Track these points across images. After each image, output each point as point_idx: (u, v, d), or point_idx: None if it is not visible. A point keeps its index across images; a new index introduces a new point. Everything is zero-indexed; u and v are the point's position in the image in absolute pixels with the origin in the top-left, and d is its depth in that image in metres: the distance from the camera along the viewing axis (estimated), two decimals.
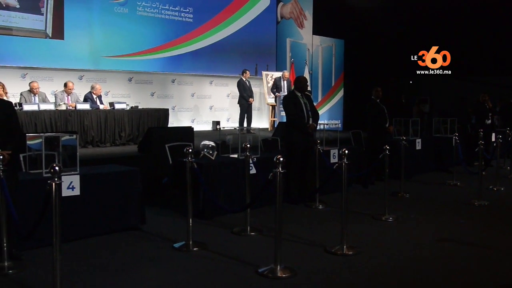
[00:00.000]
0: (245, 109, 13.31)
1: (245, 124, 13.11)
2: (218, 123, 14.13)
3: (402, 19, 17.55)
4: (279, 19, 16.52)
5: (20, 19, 10.98)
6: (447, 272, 4.85)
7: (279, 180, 4.60)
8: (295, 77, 8.20)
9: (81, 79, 11.94)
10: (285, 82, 13.89)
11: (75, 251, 5.14)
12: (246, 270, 4.73)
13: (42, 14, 11.29)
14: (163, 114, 10.96)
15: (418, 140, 10.47)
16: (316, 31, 17.26)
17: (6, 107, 4.96)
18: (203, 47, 14.44)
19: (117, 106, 10.20)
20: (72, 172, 5.45)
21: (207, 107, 14.85)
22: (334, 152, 8.32)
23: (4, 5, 10.75)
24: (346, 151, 5.45)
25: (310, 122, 7.60)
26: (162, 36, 13.50)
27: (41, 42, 11.39)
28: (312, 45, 17.19)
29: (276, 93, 13.79)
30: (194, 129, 9.83)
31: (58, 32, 11.54)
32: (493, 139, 11.07)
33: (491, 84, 16.99)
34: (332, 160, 8.16)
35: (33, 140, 5.57)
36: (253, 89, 13.91)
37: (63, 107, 9.42)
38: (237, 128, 9.02)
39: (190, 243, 5.37)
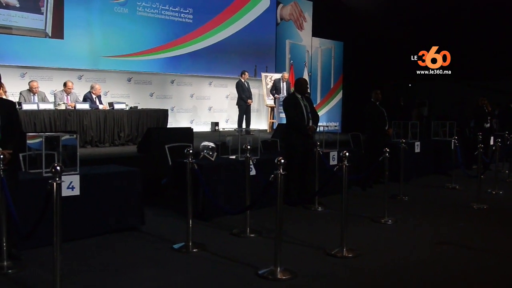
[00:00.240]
0: (244, 110, 13.31)
1: (243, 126, 13.11)
2: (217, 124, 14.13)
3: (402, 20, 17.59)
4: (279, 20, 16.53)
5: (20, 18, 10.96)
6: (446, 275, 4.86)
7: (280, 182, 4.60)
8: (296, 79, 8.20)
9: (80, 79, 11.91)
10: (285, 83, 13.90)
11: (74, 251, 5.12)
12: (246, 271, 4.72)
13: (42, 14, 11.27)
14: (163, 114, 10.95)
15: (417, 143, 10.49)
16: (316, 33, 17.31)
17: (9, 106, 4.96)
18: (202, 48, 14.42)
19: (116, 106, 10.19)
20: (72, 172, 5.44)
21: (206, 108, 14.84)
22: (333, 154, 8.33)
23: (4, 4, 10.73)
24: (347, 153, 5.45)
25: (310, 124, 7.60)
26: (161, 37, 13.49)
27: (41, 42, 11.36)
28: (311, 47, 17.23)
29: (276, 95, 13.80)
30: (193, 130, 9.83)
31: (57, 31, 11.52)
32: (492, 143, 11.09)
33: (491, 89, 17.01)
34: (332, 162, 8.17)
35: (33, 140, 5.55)
36: (252, 90, 13.91)
37: (63, 107, 9.40)
38: (237, 130, 9.01)
39: (190, 244, 5.35)
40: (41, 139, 5.39)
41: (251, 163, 6.27)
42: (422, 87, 18.30)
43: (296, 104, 7.58)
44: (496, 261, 5.30)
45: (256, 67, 15.60)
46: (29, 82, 9.81)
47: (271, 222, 5.75)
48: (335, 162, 8.11)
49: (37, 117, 8.85)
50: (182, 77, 14.21)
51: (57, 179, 3.78)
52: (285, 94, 13.37)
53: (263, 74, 15.03)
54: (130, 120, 10.15)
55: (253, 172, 6.39)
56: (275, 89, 13.88)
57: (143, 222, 6.11)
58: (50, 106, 9.29)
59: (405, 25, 17.61)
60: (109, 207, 5.81)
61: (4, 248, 4.64)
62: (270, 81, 14.63)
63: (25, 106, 8.91)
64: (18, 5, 10.91)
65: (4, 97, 7.69)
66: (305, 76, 15.55)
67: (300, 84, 7.78)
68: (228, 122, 15.10)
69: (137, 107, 11.07)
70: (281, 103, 12.93)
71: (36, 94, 9.66)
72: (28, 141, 5.51)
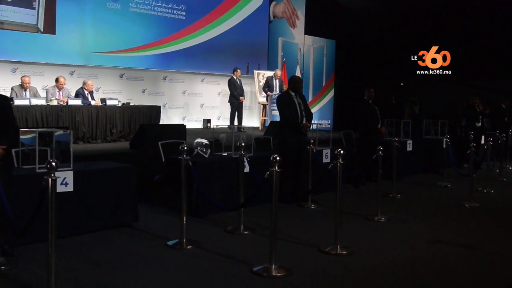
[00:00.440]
0: (236, 107, 13.29)
1: (235, 123, 13.09)
2: (208, 121, 14.12)
3: (402, 20, 17.63)
4: (272, 18, 16.52)
5: (12, 13, 10.84)
6: (438, 272, 4.89)
7: (275, 179, 4.59)
8: (290, 77, 8.19)
9: (72, 74, 11.83)
10: (277, 81, 13.90)
11: (68, 248, 5.09)
12: (240, 268, 4.72)
13: (34, 9, 11.17)
14: (155, 111, 10.92)
15: (409, 142, 10.53)
16: (308, 31, 17.31)
17: (3, 101, 4.91)
18: (195, 45, 14.38)
19: (108, 103, 10.14)
20: (66, 168, 5.40)
21: (198, 105, 14.81)
22: (326, 152, 8.34)
23: None
24: (342, 151, 5.47)
25: (304, 121, 7.60)
26: (154, 33, 13.43)
27: (33, 37, 11.26)
28: (303, 45, 17.23)
29: (268, 92, 13.80)
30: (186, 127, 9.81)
31: (49, 26, 11.42)
32: (483, 142, 11.15)
33: (491, 89, 17.09)
34: (325, 160, 8.18)
35: (26, 135, 5.52)
36: (245, 88, 13.89)
37: (55, 103, 9.35)
38: (230, 127, 9.00)
39: (184, 241, 5.35)
40: (34, 134, 5.36)
41: (245, 160, 6.27)
42: (414, 86, 18.35)
43: (290, 101, 7.57)
44: (488, 259, 5.34)
45: (249, 65, 15.58)
46: (21, 77, 9.71)
47: (265, 220, 5.78)
48: (328, 160, 8.13)
49: (29, 113, 8.79)
50: (174, 73, 14.16)
51: (52, 175, 3.75)
52: (278, 92, 13.39)
53: (255, 72, 15.02)
54: (122, 116, 10.12)
55: (247, 169, 6.39)
56: (267, 86, 13.88)
57: (137, 218, 6.09)
58: (42, 102, 9.22)
59: (405, 25, 17.65)
60: (103, 203, 5.78)
61: None
62: (262, 79, 14.62)
63: (17, 102, 8.84)
64: (9, 0, 10.81)
65: None
66: (298, 74, 15.57)
67: (294, 82, 7.77)
68: (220, 119, 15.08)
69: (129, 103, 11.03)
70: (274, 100, 12.99)
71: (27, 90, 9.57)
72: (21, 137, 5.47)
